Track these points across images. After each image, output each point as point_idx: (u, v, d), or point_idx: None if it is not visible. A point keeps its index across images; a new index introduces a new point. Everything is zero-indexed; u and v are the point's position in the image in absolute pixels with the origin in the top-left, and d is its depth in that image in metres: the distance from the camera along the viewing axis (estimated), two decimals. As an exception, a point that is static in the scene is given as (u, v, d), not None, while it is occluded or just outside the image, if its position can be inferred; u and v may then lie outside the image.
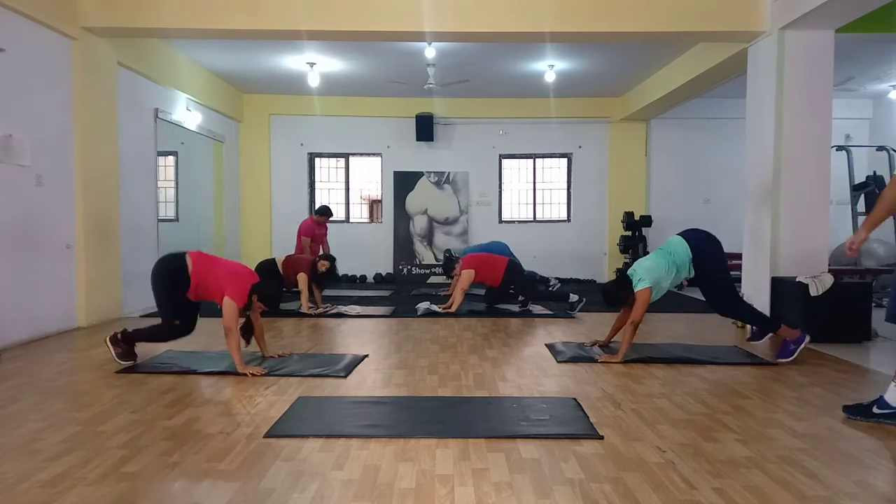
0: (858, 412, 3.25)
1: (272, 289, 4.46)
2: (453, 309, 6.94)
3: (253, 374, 4.11)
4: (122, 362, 4.34)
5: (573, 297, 7.21)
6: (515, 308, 7.26)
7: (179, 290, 4.34)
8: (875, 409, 3.20)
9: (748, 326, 5.90)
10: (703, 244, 4.74)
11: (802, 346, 4.58)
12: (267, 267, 7.02)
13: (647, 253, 10.14)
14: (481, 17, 6.08)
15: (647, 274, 4.62)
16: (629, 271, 4.78)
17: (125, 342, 4.42)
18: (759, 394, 3.80)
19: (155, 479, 2.51)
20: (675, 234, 4.92)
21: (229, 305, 4.19)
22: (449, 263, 7.55)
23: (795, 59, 5.76)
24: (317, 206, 8.94)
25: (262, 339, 4.59)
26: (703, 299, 4.94)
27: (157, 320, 4.53)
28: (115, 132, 6.64)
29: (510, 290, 7.31)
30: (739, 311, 4.96)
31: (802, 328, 4.85)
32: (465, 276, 7.04)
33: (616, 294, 4.86)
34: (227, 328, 4.19)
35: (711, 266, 4.73)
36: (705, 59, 7.46)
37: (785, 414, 3.38)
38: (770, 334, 4.91)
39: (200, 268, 4.33)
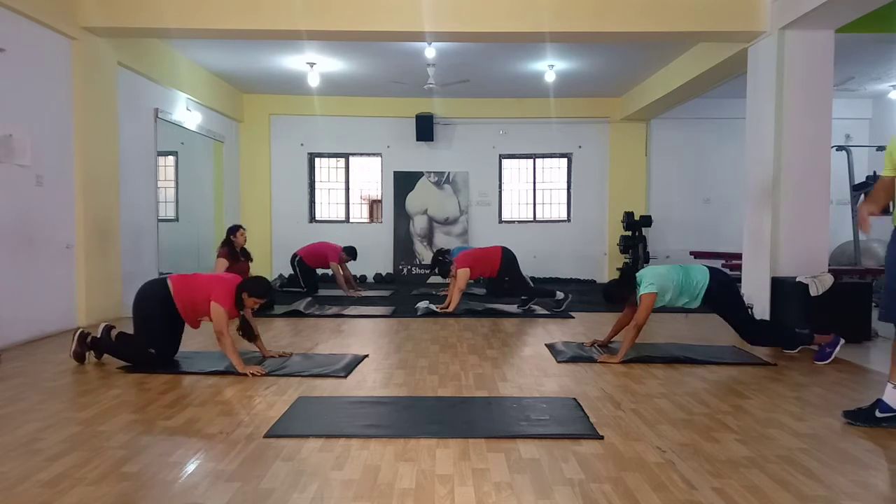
0: (860, 418, 3.19)
1: (260, 282, 4.49)
2: (451, 309, 6.94)
3: (254, 374, 4.12)
4: (72, 359, 4.40)
5: (559, 295, 7.26)
6: (515, 308, 7.26)
7: (162, 319, 4.34)
8: (878, 414, 3.15)
9: None
10: (722, 282, 4.81)
11: (838, 347, 4.61)
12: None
13: (647, 253, 10.22)
14: (481, 17, 6.08)
15: (656, 279, 4.64)
16: (638, 274, 4.80)
17: (91, 346, 4.45)
18: (759, 394, 3.80)
19: (155, 479, 2.51)
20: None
21: (217, 310, 4.21)
22: (444, 266, 7.51)
23: (795, 59, 5.76)
24: (347, 247, 8.85)
25: (258, 339, 4.60)
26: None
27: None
28: (115, 132, 6.64)
29: (505, 280, 7.31)
30: (771, 338, 5.01)
31: (802, 328, 4.87)
32: (462, 276, 7.04)
33: (616, 292, 4.87)
34: (219, 332, 4.21)
35: (730, 304, 4.83)
36: (705, 59, 7.46)
37: (785, 414, 3.38)
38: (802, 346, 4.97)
39: (183, 289, 4.35)
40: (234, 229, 7.31)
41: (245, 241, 7.34)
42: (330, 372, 4.21)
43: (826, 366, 4.53)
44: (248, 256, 7.40)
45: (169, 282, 4.38)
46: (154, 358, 4.38)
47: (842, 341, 4.64)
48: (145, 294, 4.44)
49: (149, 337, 4.38)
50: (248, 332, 4.47)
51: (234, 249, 7.17)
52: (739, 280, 6.36)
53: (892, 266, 3.18)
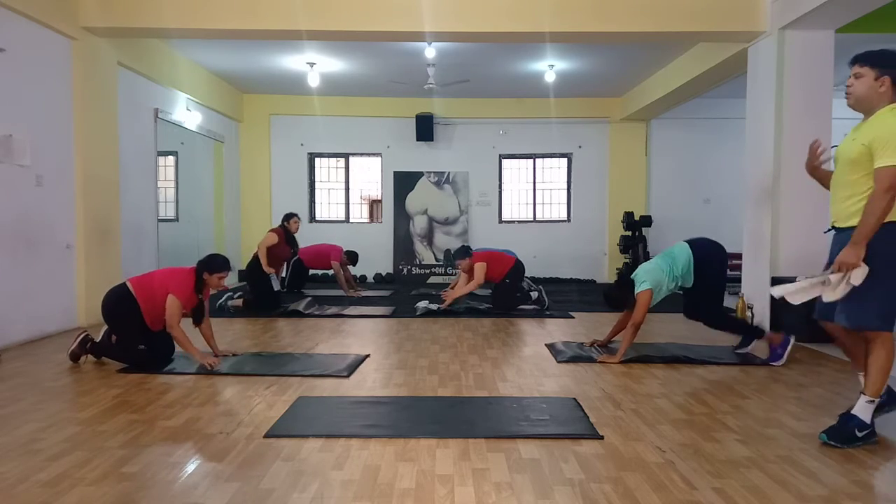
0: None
1: (216, 258, 4.55)
2: (459, 293, 7.05)
3: (211, 365, 4.21)
4: (69, 358, 4.42)
5: (533, 296, 7.34)
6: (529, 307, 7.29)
7: (132, 317, 4.35)
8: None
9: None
10: (707, 254, 4.75)
11: (789, 347, 4.58)
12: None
13: (647, 253, 10.22)
14: (481, 17, 6.08)
15: (649, 276, 4.64)
16: (633, 275, 4.80)
17: (90, 351, 4.47)
18: (759, 394, 3.80)
19: (155, 479, 2.51)
20: (677, 236, 4.93)
21: (171, 303, 4.26)
22: (460, 252, 7.44)
23: (795, 59, 5.76)
24: (349, 251, 8.99)
25: (209, 328, 4.61)
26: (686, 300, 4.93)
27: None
28: (115, 132, 6.64)
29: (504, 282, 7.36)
30: (722, 322, 4.95)
31: (803, 328, 4.86)
32: (480, 270, 7.08)
33: (616, 295, 4.89)
34: (170, 326, 4.27)
35: (710, 277, 4.76)
36: (705, 59, 7.46)
37: (785, 414, 3.38)
38: (755, 340, 4.92)
39: (143, 288, 4.38)
40: (290, 216, 7.60)
41: (297, 229, 7.62)
42: (331, 372, 4.21)
43: (826, 366, 4.53)
44: (294, 246, 7.65)
45: (128, 284, 4.42)
46: (148, 355, 4.39)
47: (793, 340, 4.61)
48: (109, 301, 4.45)
49: (130, 335, 4.39)
50: (198, 317, 4.50)
51: (288, 233, 7.44)
52: (739, 280, 6.36)
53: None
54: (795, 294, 2.97)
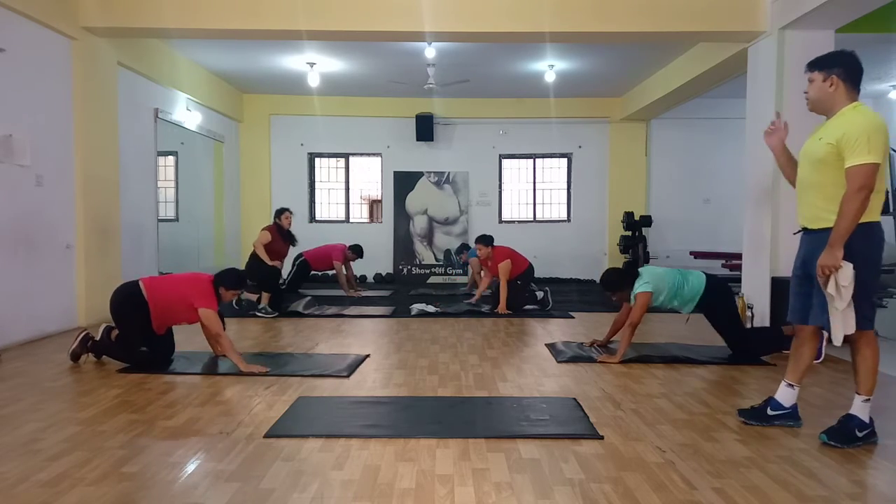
0: (754, 417, 3.20)
1: (232, 273, 4.55)
2: (502, 304, 6.97)
3: (258, 373, 4.15)
4: (69, 358, 4.42)
5: (539, 295, 7.38)
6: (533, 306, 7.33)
7: (139, 317, 4.33)
8: (769, 412, 3.17)
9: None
10: (720, 289, 4.79)
11: (823, 342, 4.57)
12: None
13: (647, 253, 10.23)
14: (481, 17, 6.08)
15: (653, 279, 4.65)
16: (640, 269, 4.81)
17: (91, 349, 4.47)
18: (759, 394, 3.79)
19: (155, 479, 2.51)
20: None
21: (206, 314, 4.25)
22: (489, 239, 7.38)
23: (795, 59, 5.74)
24: (353, 245, 8.92)
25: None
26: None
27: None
28: (115, 132, 6.64)
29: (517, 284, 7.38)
30: (751, 344, 4.96)
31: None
32: (505, 269, 7.09)
33: (616, 281, 4.89)
34: (217, 334, 4.27)
35: (722, 312, 4.80)
36: (705, 59, 7.46)
37: (785, 414, 3.38)
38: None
39: (155, 290, 4.37)
40: (280, 212, 7.55)
41: (290, 223, 7.54)
42: (331, 372, 4.21)
43: (824, 366, 4.53)
44: (291, 240, 7.58)
45: (141, 283, 4.41)
46: (148, 357, 4.38)
47: (826, 335, 4.60)
48: (118, 295, 4.45)
49: (135, 335, 4.39)
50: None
51: (281, 229, 7.39)
52: (739, 280, 6.36)
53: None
54: (840, 326, 2.88)
